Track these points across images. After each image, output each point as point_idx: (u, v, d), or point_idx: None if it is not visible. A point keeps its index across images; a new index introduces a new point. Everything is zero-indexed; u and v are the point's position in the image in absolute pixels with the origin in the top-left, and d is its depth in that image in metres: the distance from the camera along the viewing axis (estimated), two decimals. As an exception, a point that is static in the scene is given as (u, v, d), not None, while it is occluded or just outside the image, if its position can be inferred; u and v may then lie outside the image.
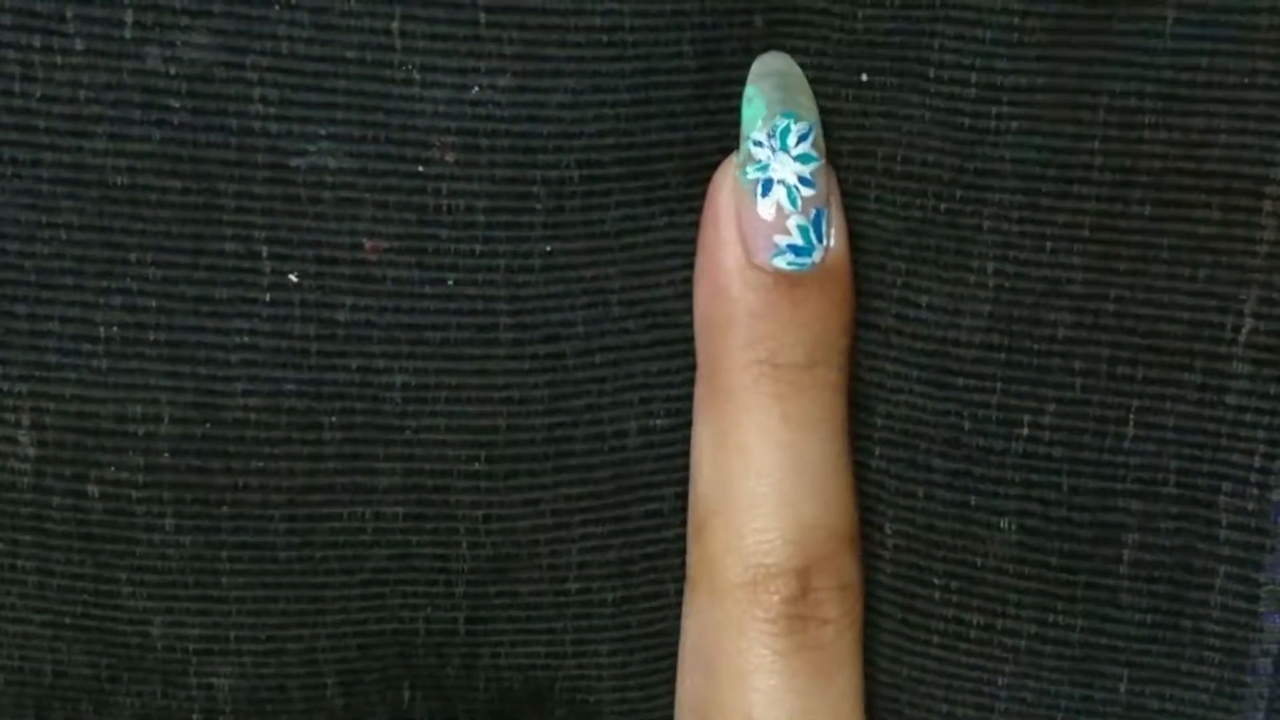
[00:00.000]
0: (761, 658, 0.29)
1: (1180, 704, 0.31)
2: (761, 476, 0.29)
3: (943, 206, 0.29)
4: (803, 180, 0.29)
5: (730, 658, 0.29)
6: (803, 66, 0.30)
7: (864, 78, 0.29)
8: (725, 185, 0.29)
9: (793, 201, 0.29)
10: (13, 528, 0.29)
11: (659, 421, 0.31)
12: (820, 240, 0.29)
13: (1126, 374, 0.29)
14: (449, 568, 0.31)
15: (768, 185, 0.29)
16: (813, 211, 0.29)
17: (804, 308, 0.29)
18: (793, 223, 0.29)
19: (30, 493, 0.29)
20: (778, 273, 0.29)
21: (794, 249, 0.29)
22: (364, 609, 0.31)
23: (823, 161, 0.29)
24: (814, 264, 0.29)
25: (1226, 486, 0.30)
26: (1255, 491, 0.30)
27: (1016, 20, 0.28)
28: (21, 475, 0.29)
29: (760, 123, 0.29)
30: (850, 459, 0.30)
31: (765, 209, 0.29)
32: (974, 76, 0.29)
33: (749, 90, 0.29)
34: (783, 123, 0.29)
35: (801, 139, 0.29)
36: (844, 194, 0.30)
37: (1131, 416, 0.30)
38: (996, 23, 0.28)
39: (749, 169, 0.29)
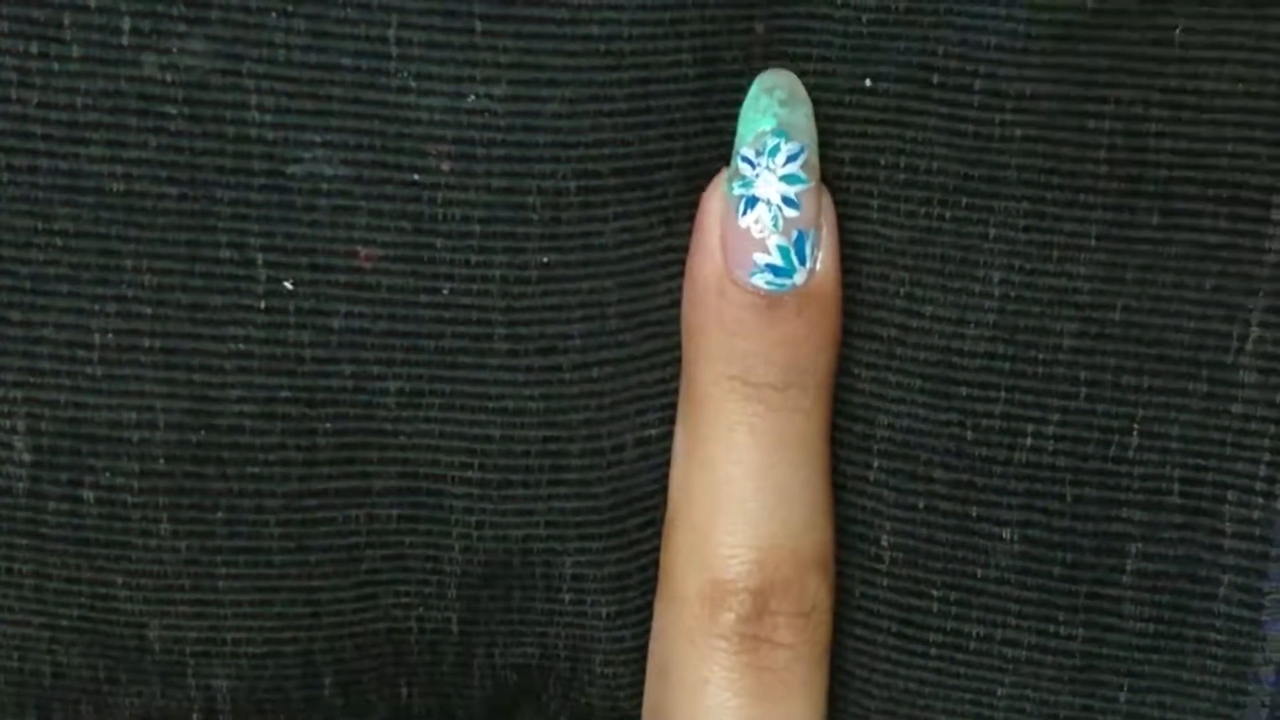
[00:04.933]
0: (711, 672, 0.29)
1: (1181, 713, 0.31)
2: (722, 492, 0.29)
3: (948, 214, 0.29)
4: (787, 201, 0.28)
5: (681, 668, 0.29)
6: (805, 73, 0.29)
7: (868, 83, 0.29)
8: (715, 196, 0.29)
9: (775, 222, 0.28)
10: (9, 532, 0.29)
11: (654, 432, 0.31)
12: (803, 263, 0.29)
13: (1132, 383, 0.29)
14: (441, 570, 0.31)
15: (751, 202, 0.29)
16: (795, 233, 0.28)
17: (780, 329, 0.29)
18: (773, 243, 0.28)
19: (26, 498, 0.29)
20: (755, 291, 0.29)
21: (773, 269, 0.28)
22: (359, 609, 0.31)
23: (812, 184, 0.29)
24: (794, 286, 0.29)
25: (1231, 495, 0.30)
26: (1260, 500, 0.29)
27: (1021, 27, 0.28)
28: (17, 480, 0.29)
29: (751, 139, 0.29)
30: (826, 483, 0.30)
31: (747, 225, 0.29)
32: (978, 83, 0.28)
33: (745, 104, 0.29)
34: (773, 141, 0.29)
35: (790, 159, 0.28)
36: (846, 203, 0.30)
37: (1136, 426, 0.30)
38: (1001, 29, 0.28)
39: (735, 184, 0.29)
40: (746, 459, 0.29)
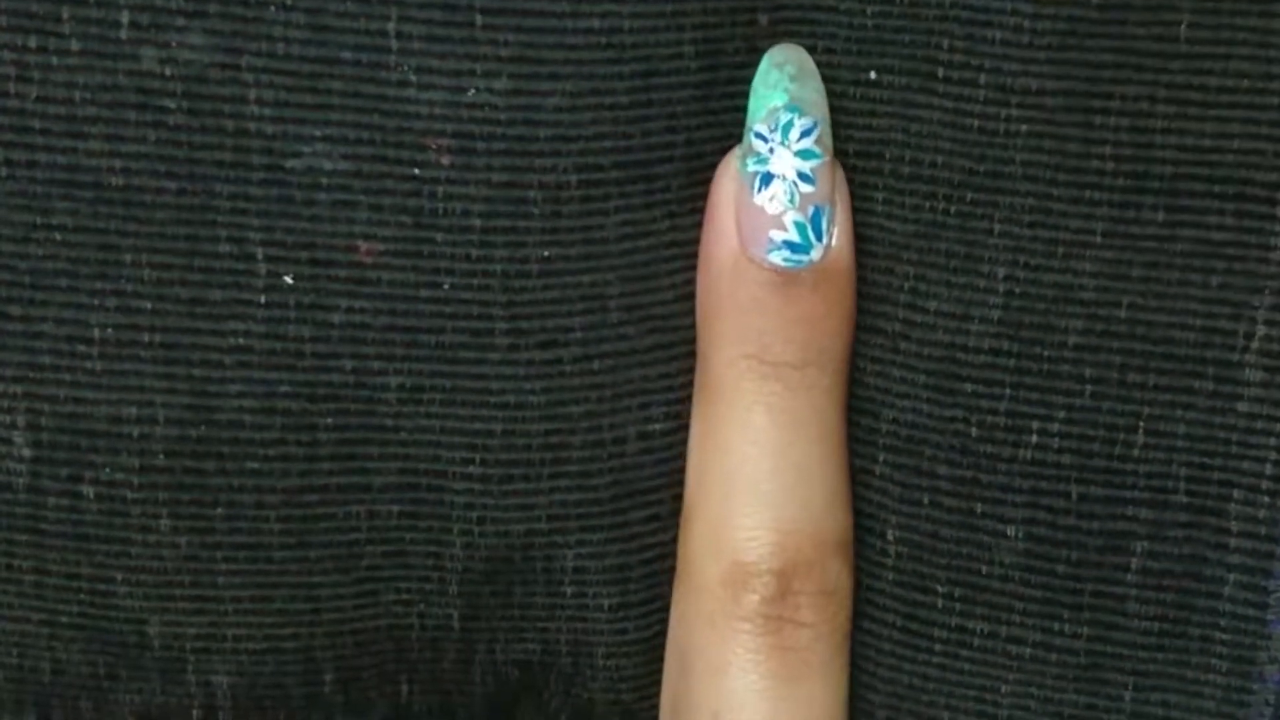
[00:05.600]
0: (735, 655, 0.29)
1: (1185, 711, 0.31)
2: (741, 474, 0.29)
3: (952, 209, 0.29)
4: (803, 176, 0.28)
5: (703, 653, 0.29)
6: None
7: (872, 75, 0.29)
8: (727, 176, 0.29)
9: (791, 198, 0.28)
10: (9, 528, 0.29)
11: (658, 426, 0.30)
12: (819, 239, 0.28)
13: (1137, 381, 0.29)
14: (443, 565, 0.31)
15: (767, 179, 0.28)
16: (811, 209, 0.28)
17: (797, 306, 0.29)
18: (789, 219, 0.28)
19: (26, 493, 0.29)
20: (772, 269, 0.28)
21: (790, 245, 0.28)
22: (359, 606, 0.31)
23: (827, 159, 0.29)
24: (811, 262, 0.28)
25: (1237, 494, 0.29)
26: (1266, 499, 0.29)
27: (1027, 22, 0.28)
28: (17, 476, 0.29)
29: (764, 114, 0.29)
30: (844, 465, 0.30)
31: (762, 203, 0.28)
32: (983, 78, 0.28)
33: (756, 80, 0.29)
34: (786, 116, 0.28)
35: (805, 134, 0.28)
36: (851, 195, 0.29)
37: (1142, 424, 0.29)
38: (1006, 23, 0.28)
39: (749, 161, 0.29)
40: (764, 438, 0.29)
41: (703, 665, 0.29)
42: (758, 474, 0.29)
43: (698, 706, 0.29)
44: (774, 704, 0.29)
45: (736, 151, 0.29)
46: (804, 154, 0.28)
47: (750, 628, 0.29)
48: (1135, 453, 0.29)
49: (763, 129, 0.29)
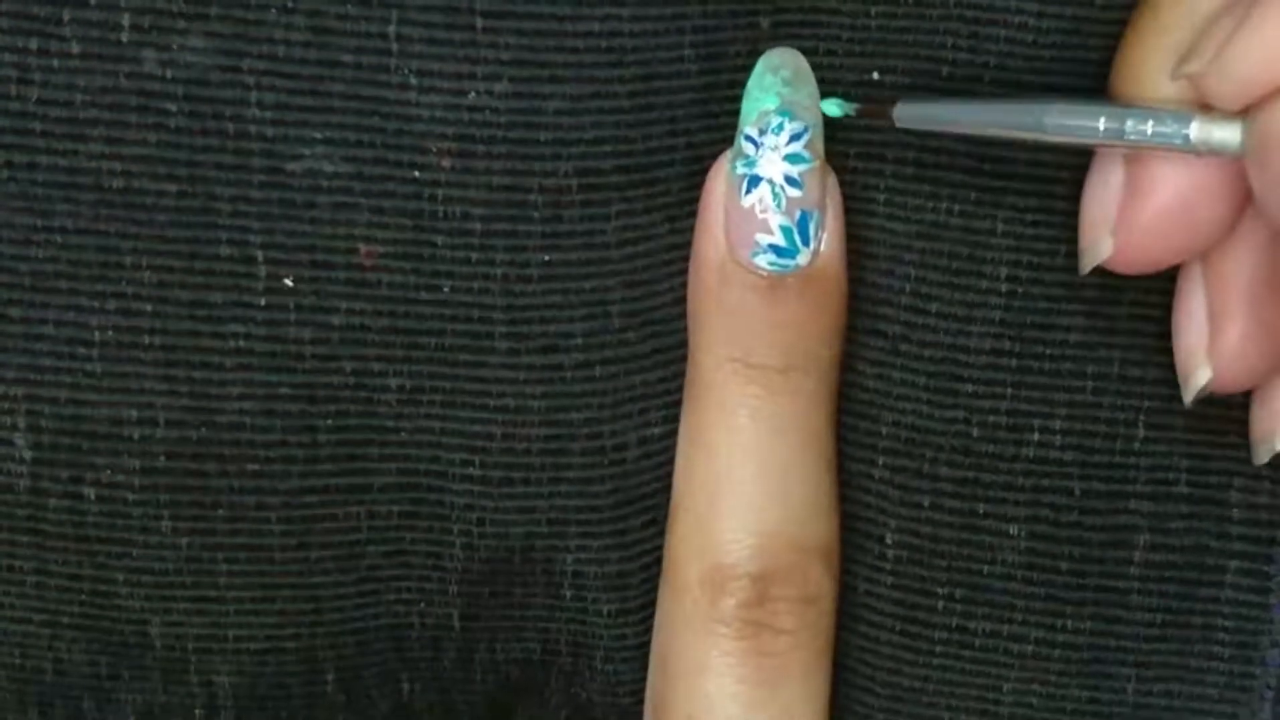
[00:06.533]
0: (710, 658, 0.29)
1: (1188, 700, 0.31)
2: (724, 477, 0.29)
3: (955, 209, 0.29)
4: (789, 180, 0.28)
5: (680, 655, 0.29)
6: (812, 66, 0.29)
7: (875, 76, 0.29)
8: (718, 178, 0.29)
9: (777, 201, 0.28)
10: (10, 529, 0.29)
11: (656, 431, 0.30)
12: (806, 243, 0.28)
13: (1137, 375, 0.29)
14: (442, 566, 0.31)
15: (754, 181, 0.28)
16: (798, 213, 0.28)
17: (783, 310, 0.29)
18: (775, 222, 0.28)
19: (27, 495, 0.29)
20: (758, 271, 0.28)
21: (775, 249, 0.28)
22: (360, 605, 0.31)
23: (816, 164, 0.28)
24: (797, 267, 0.28)
25: (1238, 482, 0.30)
26: (1268, 485, 0.30)
27: (1031, 20, 0.28)
28: (18, 478, 0.29)
29: (755, 118, 0.28)
30: (831, 470, 0.30)
31: (749, 205, 0.28)
32: (988, 76, 0.28)
33: (750, 82, 0.29)
34: (776, 120, 0.28)
35: (794, 138, 0.28)
36: (853, 196, 0.29)
37: (1142, 418, 0.29)
38: (1011, 22, 0.28)
39: (738, 163, 0.29)
40: (747, 442, 0.29)
41: (680, 666, 0.29)
42: (741, 477, 0.29)
43: (674, 707, 0.29)
44: (748, 709, 0.29)
45: (729, 154, 0.29)
46: (792, 158, 0.28)
47: (727, 631, 0.29)
48: (1136, 446, 0.30)
49: (753, 132, 0.28)
